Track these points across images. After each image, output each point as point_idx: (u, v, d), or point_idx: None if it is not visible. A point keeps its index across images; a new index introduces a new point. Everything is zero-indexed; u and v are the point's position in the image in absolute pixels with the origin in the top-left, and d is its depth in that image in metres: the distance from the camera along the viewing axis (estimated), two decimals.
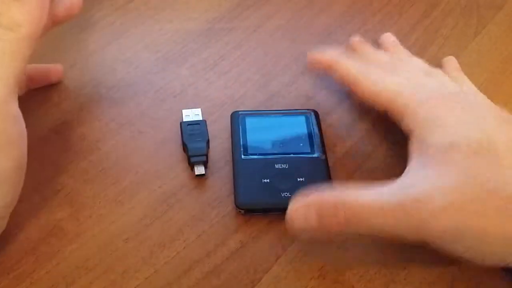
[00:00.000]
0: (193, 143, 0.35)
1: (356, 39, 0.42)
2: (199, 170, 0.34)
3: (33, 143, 0.35)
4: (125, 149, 0.36)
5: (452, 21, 0.46)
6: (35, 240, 0.31)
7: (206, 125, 0.36)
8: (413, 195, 0.26)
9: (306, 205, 0.28)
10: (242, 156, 0.34)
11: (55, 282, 0.29)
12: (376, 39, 0.44)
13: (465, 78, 0.37)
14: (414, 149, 0.30)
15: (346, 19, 0.46)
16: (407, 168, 0.29)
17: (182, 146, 0.35)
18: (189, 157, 0.34)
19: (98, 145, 0.36)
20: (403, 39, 0.44)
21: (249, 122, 0.36)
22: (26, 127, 0.36)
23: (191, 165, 0.34)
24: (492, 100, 0.32)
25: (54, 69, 0.40)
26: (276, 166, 0.33)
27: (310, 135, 0.35)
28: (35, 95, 0.39)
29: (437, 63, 0.42)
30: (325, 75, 0.39)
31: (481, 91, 0.34)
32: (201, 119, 0.36)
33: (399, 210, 0.26)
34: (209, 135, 0.35)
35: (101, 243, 0.31)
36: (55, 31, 0.43)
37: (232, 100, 0.39)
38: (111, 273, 0.30)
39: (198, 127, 0.36)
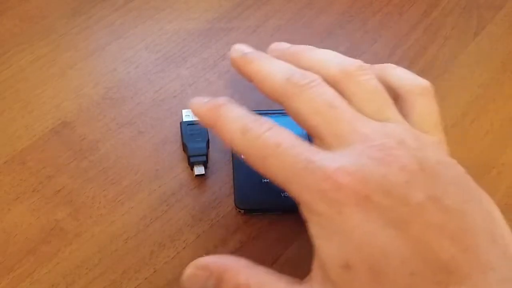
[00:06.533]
0: (193, 143, 0.35)
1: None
2: (199, 170, 0.34)
3: (33, 143, 0.36)
4: (125, 149, 0.36)
5: (452, 21, 0.46)
6: (35, 240, 0.31)
7: None
8: None
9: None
10: (242, 156, 0.34)
11: (55, 282, 0.29)
12: (376, 38, 0.44)
13: None
14: None
15: (346, 19, 0.46)
16: None
17: (182, 146, 0.35)
18: (189, 157, 0.34)
19: (98, 145, 0.36)
20: (403, 39, 0.44)
21: None
22: (26, 126, 0.37)
23: (191, 165, 0.34)
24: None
25: None
26: None
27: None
28: (35, 95, 0.39)
29: (437, 63, 0.42)
30: None
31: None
32: None
33: None
34: (209, 135, 0.35)
35: (101, 243, 0.31)
36: (54, 30, 0.44)
37: None
38: (111, 273, 0.30)
39: (198, 127, 0.36)
